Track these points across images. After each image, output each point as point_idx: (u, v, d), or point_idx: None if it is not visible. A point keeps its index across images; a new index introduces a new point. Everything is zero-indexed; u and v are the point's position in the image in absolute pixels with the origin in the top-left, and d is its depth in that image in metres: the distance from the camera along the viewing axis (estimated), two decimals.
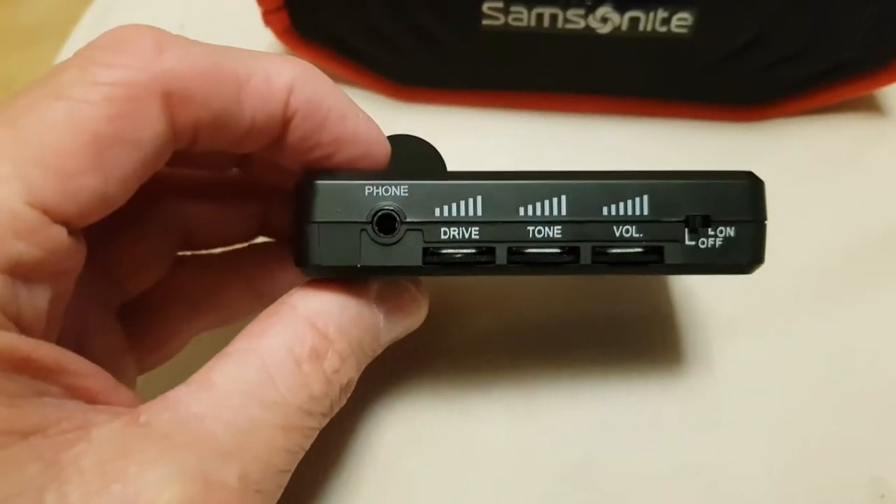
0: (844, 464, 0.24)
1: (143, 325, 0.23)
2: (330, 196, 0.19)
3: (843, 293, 0.28)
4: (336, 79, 0.34)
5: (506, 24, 0.31)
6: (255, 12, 0.33)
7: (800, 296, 0.28)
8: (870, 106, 0.34)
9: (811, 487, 0.24)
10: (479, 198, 0.19)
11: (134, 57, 0.17)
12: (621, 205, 0.19)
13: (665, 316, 0.28)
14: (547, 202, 0.19)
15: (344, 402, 0.20)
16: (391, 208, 0.19)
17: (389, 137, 0.21)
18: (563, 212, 0.19)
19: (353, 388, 0.21)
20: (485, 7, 0.30)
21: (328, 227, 0.19)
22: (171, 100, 0.17)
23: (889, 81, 0.32)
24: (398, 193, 0.19)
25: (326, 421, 0.20)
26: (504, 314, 0.28)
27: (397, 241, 0.19)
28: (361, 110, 0.20)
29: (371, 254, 0.19)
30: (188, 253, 0.25)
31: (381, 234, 0.19)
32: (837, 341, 0.27)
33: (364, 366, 0.21)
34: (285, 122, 0.19)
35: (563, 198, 0.19)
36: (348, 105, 0.20)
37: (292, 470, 0.18)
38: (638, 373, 0.26)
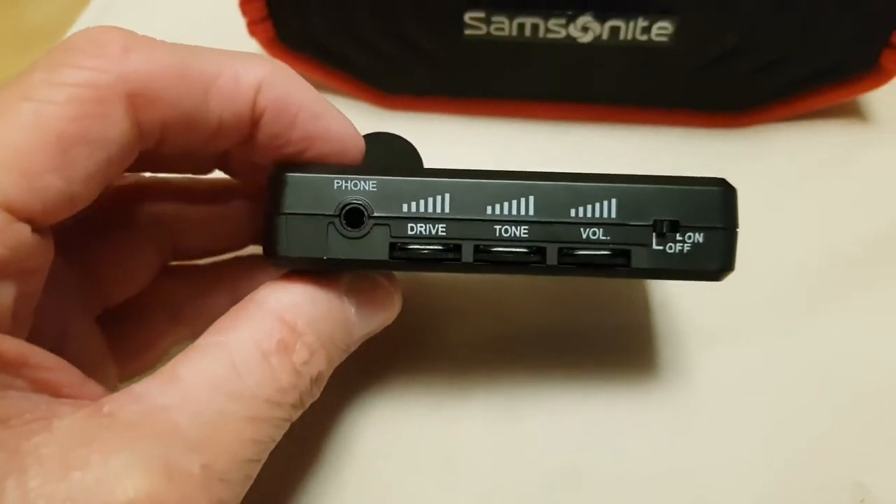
0: (825, 469, 0.24)
1: (125, 331, 0.23)
2: (299, 188, 0.19)
3: (827, 299, 0.28)
4: (322, 88, 0.35)
5: (488, 33, 0.31)
6: (242, 23, 0.33)
7: (783, 302, 0.28)
8: (853, 112, 0.34)
9: (793, 493, 0.24)
10: (447, 195, 0.19)
11: (100, 58, 0.17)
12: (589, 207, 0.19)
13: (649, 322, 0.28)
14: (515, 202, 0.19)
15: (317, 395, 0.20)
16: (359, 202, 0.19)
17: (368, 135, 0.22)
18: (531, 212, 0.19)
19: (325, 381, 0.21)
20: (467, 17, 0.31)
21: (296, 219, 0.19)
22: (136, 100, 0.17)
23: (871, 87, 0.32)
24: (367, 188, 0.19)
25: (298, 413, 0.20)
26: (488, 319, 0.28)
27: (364, 235, 0.19)
28: (334, 108, 0.20)
29: (338, 247, 0.19)
30: (174, 263, 0.25)
31: (349, 228, 0.19)
32: (820, 348, 0.27)
33: (337, 360, 0.21)
34: (254, 120, 0.19)
35: (531, 198, 0.19)
36: (319, 103, 0.20)
37: (262, 459, 0.19)
38: (622, 379, 0.27)
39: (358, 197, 0.19)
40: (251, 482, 0.18)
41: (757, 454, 0.25)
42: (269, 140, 0.20)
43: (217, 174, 0.25)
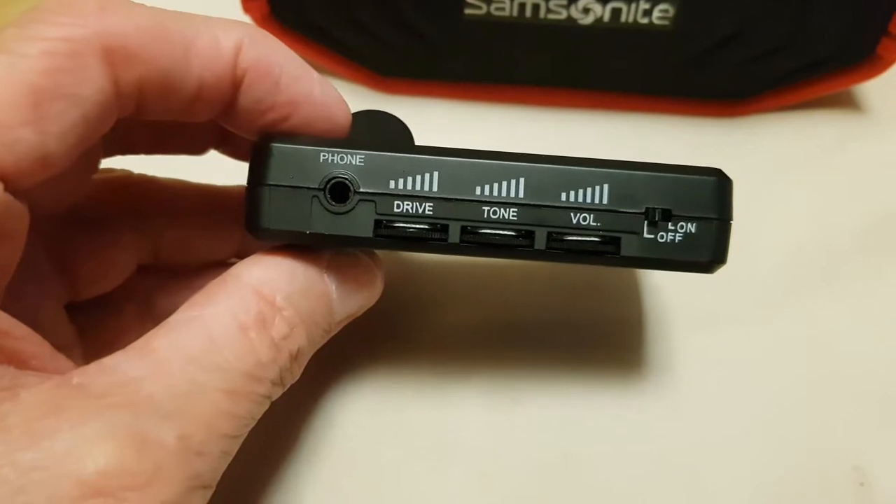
0: (824, 454, 0.24)
1: (94, 322, 0.23)
2: (284, 159, 0.19)
3: (819, 287, 0.28)
4: (317, 69, 0.34)
5: (488, 13, 0.31)
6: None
7: (776, 289, 0.28)
8: (847, 102, 0.34)
9: (792, 477, 0.24)
10: (435, 173, 0.19)
11: (75, 15, 0.16)
12: (580, 192, 0.19)
13: (642, 309, 0.28)
14: (504, 183, 0.19)
15: (297, 373, 0.20)
16: (345, 177, 0.19)
17: (360, 112, 0.21)
18: (521, 194, 0.19)
19: (306, 359, 0.20)
20: None
21: (280, 191, 0.19)
22: (113, 56, 0.17)
23: (866, 78, 0.32)
24: (354, 162, 0.19)
25: (279, 391, 0.19)
26: (481, 304, 0.28)
27: (349, 211, 0.19)
28: (316, 73, 0.20)
29: (321, 221, 0.19)
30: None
31: (333, 203, 0.19)
32: (815, 333, 0.27)
33: (319, 339, 0.20)
34: (235, 82, 0.19)
35: (522, 180, 0.19)
36: (301, 66, 0.20)
37: (241, 436, 0.18)
38: (616, 364, 0.26)
39: (344, 171, 0.19)
40: (229, 459, 0.18)
41: (754, 439, 0.25)
42: (252, 105, 0.19)
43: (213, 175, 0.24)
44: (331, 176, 0.19)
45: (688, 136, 0.34)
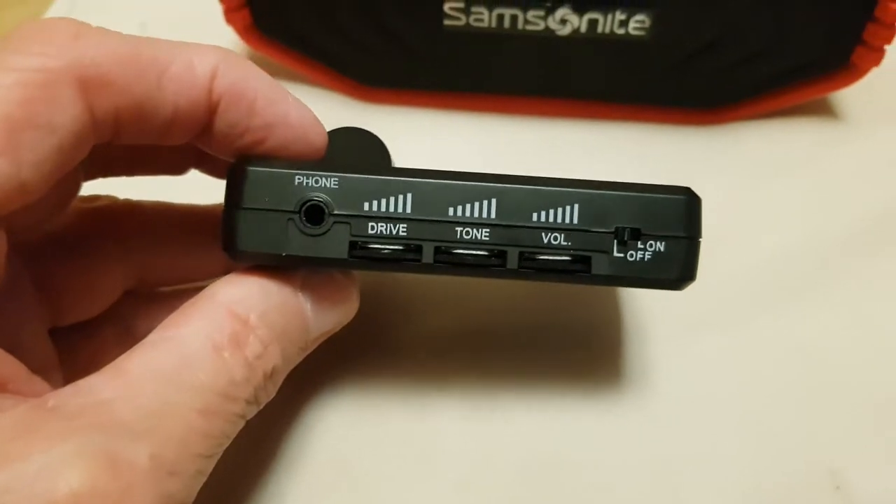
0: (801, 457, 0.25)
1: (75, 344, 0.23)
2: (260, 183, 0.19)
3: (799, 292, 0.29)
4: (300, 79, 0.35)
5: (467, 24, 0.31)
6: (218, 10, 0.32)
7: (756, 295, 0.29)
8: (825, 109, 0.35)
9: (769, 481, 0.24)
10: (409, 195, 0.19)
11: (49, 45, 0.17)
12: (551, 212, 0.19)
13: (621, 315, 0.28)
14: (477, 204, 0.19)
15: (273, 392, 0.20)
16: (320, 199, 0.19)
17: (337, 130, 0.21)
18: (493, 215, 0.19)
19: (281, 378, 0.20)
20: (446, 7, 0.31)
21: (255, 214, 0.19)
22: (87, 85, 0.17)
23: (842, 85, 0.32)
24: (328, 185, 0.19)
25: (253, 410, 0.19)
26: (460, 313, 0.28)
27: (324, 233, 0.19)
28: (292, 95, 0.20)
29: (297, 243, 0.19)
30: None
31: (309, 225, 0.19)
32: (793, 339, 0.27)
33: (294, 357, 0.21)
34: (211, 108, 0.19)
35: (494, 201, 0.19)
36: (276, 90, 0.20)
37: (215, 456, 0.18)
38: (597, 371, 0.26)
39: (319, 194, 0.19)
40: (203, 479, 0.18)
41: (731, 444, 0.25)
42: (228, 129, 0.19)
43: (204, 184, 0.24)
44: (306, 199, 0.19)
45: (667, 145, 0.34)
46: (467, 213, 0.19)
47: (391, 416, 0.25)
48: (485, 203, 0.19)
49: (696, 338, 0.27)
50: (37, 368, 0.18)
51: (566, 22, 0.31)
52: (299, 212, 0.19)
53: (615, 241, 0.19)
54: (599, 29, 0.31)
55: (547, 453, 0.25)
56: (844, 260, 0.30)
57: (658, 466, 0.25)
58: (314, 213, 0.19)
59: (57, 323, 0.22)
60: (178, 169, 0.24)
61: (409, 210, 0.19)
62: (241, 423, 0.19)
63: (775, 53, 0.32)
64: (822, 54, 0.32)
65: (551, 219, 0.19)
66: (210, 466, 0.18)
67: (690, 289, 0.28)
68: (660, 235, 0.19)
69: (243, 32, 0.33)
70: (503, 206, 0.19)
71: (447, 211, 0.19)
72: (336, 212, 0.19)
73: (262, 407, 0.20)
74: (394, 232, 0.19)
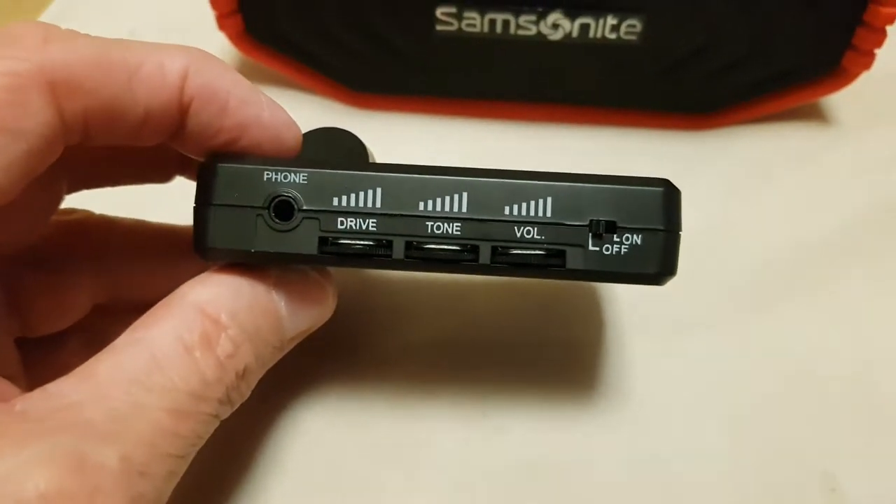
0: (794, 461, 0.24)
1: (40, 354, 0.22)
2: (229, 179, 0.19)
3: (788, 295, 0.29)
4: (291, 85, 0.35)
5: (459, 29, 0.31)
6: (209, 16, 0.32)
7: (745, 298, 0.29)
8: (815, 114, 0.35)
9: (762, 484, 0.24)
10: (378, 189, 0.19)
11: (18, 49, 0.17)
12: (524, 205, 0.19)
13: (610, 319, 0.28)
14: (448, 198, 0.19)
15: (246, 393, 0.20)
16: (289, 195, 0.19)
17: (317, 130, 0.21)
18: (464, 209, 0.19)
19: (255, 378, 0.20)
20: (438, 12, 0.31)
21: (225, 211, 0.19)
22: (57, 89, 0.17)
23: (833, 90, 0.33)
24: (297, 180, 0.19)
25: (227, 410, 0.19)
26: (451, 320, 0.28)
27: (293, 229, 0.19)
28: (266, 95, 0.20)
29: (266, 239, 0.19)
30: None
31: (277, 221, 0.19)
32: (784, 341, 0.27)
33: (269, 357, 0.20)
34: (182, 109, 0.19)
35: (465, 194, 0.19)
36: (249, 90, 0.20)
37: (188, 456, 0.18)
38: (586, 377, 0.26)
39: (288, 189, 0.19)
40: (176, 479, 0.18)
41: (723, 447, 0.25)
42: (200, 129, 0.19)
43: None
44: (275, 194, 0.19)
45: (659, 149, 0.34)
46: (438, 208, 0.19)
47: (379, 423, 0.25)
48: (455, 197, 0.19)
49: (685, 340, 0.27)
50: (1, 376, 0.18)
51: (558, 27, 0.31)
52: (268, 207, 0.19)
53: (590, 234, 0.19)
54: (591, 34, 0.31)
55: (535, 458, 0.25)
56: (835, 263, 0.30)
57: (647, 470, 0.24)
58: (283, 209, 0.19)
59: (25, 334, 0.22)
60: (162, 177, 0.24)
61: (378, 205, 0.19)
62: (215, 423, 0.19)
63: (765, 58, 0.32)
64: (812, 59, 0.32)
65: (524, 212, 0.19)
66: (183, 467, 0.18)
67: (680, 292, 0.28)
68: (636, 228, 0.19)
69: (235, 39, 0.33)
70: (474, 199, 0.19)
71: (417, 205, 0.19)
72: (305, 207, 0.19)
73: (235, 407, 0.20)
74: (364, 227, 0.19)
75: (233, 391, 0.19)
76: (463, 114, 0.35)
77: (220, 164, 0.19)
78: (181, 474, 0.18)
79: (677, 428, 0.25)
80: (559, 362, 0.27)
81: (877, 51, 0.31)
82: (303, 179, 0.19)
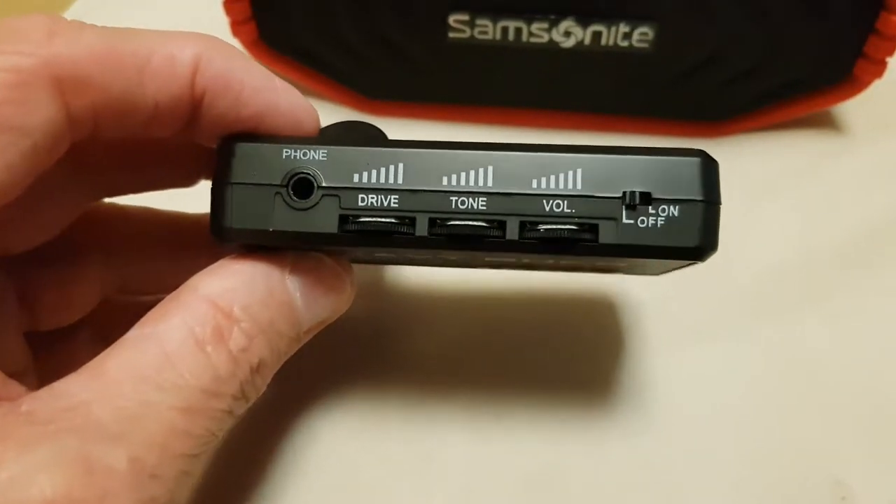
0: (806, 468, 0.25)
1: (51, 348, 0.22)
2: (247, 157, 0.18)
3: (800, 304, 0.29)
4: (305, 91, 0.35)
5: (472, 36, 0.31)
6: (223, 24, 0.33)
7: (757, 305, 0.29)
8: (826, 123, 0.35)
9: (773, 492, 0.24)
10: (400, 165, 0.18)
11: (23, 44, 0.16)
12: (552, 178, 0.18)
13: (624, 326, 0.28)
14: (472, 172, 0.18)
15: (262, 387, 0.19)
16: (308, 172, 0.18)
17: (340, 123, 0.21)
18: (490, 183, 0.18)
19: (270, 372, 0.19)
20: (451, 20, 0.31)
21: (243, 189, 0.18)
22: (63, 84, 0.16)
23: (844, 98, 0.33)
24: (316, 157, 0.18)
25: (242, 406, 0.19)
26: (468, 327, 0.28)
27: (313, 206, 0.18)
28: (280, 80, 0.19)
29: (284, 218, 0.18)
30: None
31: (296, 199, 0.18)
32: (796, 350, 0.27)
33: (285, 349, 0.20)
34: (194, 101, 0.18)
35: (490, 168, 0.18)
36: (264, 77, 0.19)
37: (202, 455, 0.17)
38: (600, 382, 0.26)
39: (307, 166, 0.18)
40: (189, 480, 0.17)
41: (735, 455, 0.25)
42: (216, 120, 0.19)
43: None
44: (293, 171, 0.18)
45: None
46: (462, 182, 0.18)
47: (393, 430, 0.25)
48: (480, 171, 0.18)
49: (698, 349, 0.27)
50: (11, 372, 0.18)
51: (570, 34, 0.31)
52: (287, 185, 0.18)
53: (624, 206, 0.17)
54: (603, 41, 0.31)
55: (549, 466, 0.25)
56: (847, 271, 0.30)
57: (660, 478, 0.24)
58: (302, 186, 0.18)
59: (34, 328, 0.21)
60: (186, 181, 0.23)
61: (400, 181, 0.18)
62: (230, 419, 0.18)
63: (777, 67, 0.32)
64: (824, 68, 0.32)
65: (552, 185, 0.18)
66: (197, 466, 0.17)
67: (691, 300, 0.28)
68: (674, 199, 0.17)
69: (249, 46, 0.33)
70: (500, 173, 0.18)
71: (441, 180, 0.18)
72: (325, 184, 0.18)
73: (251, 402, 0.19)
74: (385, 204, 0.18)
75: (247, 386, 0.18)
76: (475, 120, 0.35)
77: (238, 143, 0.18)
78: (196, 474, 0.17)
79: (690, 435, 0.25)
80: (572, 369, 0.27)
81: (888, 59, 0.31)
82: (322, 156, 0.18)
